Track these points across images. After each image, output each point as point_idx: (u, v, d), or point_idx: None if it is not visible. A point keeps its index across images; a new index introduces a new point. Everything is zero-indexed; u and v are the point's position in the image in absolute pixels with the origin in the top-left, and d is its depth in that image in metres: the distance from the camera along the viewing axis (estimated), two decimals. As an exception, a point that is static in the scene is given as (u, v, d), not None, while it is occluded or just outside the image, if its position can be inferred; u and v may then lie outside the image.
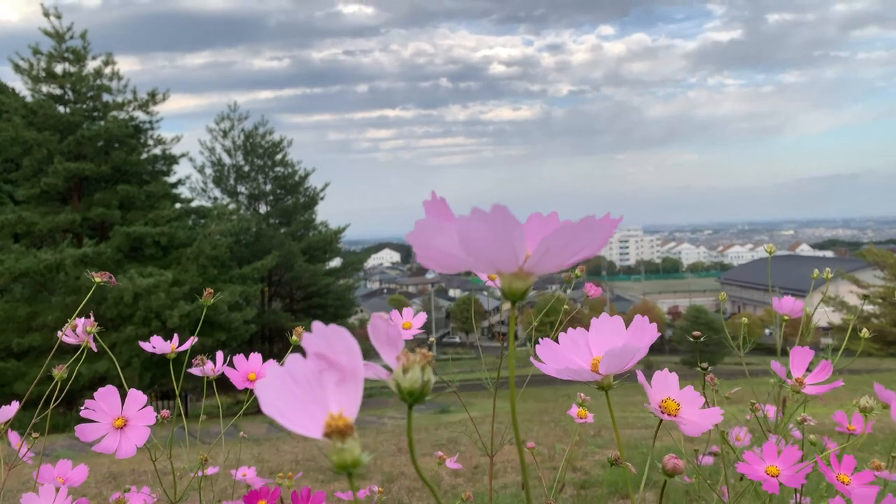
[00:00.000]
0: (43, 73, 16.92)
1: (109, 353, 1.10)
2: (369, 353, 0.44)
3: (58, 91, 17.11)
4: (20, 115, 16.22)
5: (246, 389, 1.07)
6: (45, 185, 16.08)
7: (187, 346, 1.11)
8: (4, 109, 16.56)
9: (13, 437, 1.07)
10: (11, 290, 15.45)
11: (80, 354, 1.07)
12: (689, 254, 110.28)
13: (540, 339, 0.60)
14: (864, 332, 1.13)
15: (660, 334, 0.57)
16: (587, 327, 0.61)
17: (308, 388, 0.34)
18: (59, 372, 1.06)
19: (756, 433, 1.24)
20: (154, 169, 18.33)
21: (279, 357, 1.08)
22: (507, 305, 0.43)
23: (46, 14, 16.70)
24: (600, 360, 0.56)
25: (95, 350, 1.09)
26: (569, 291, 1.34)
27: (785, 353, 1.05)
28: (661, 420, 0.65)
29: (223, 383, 1.14)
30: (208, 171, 22.01)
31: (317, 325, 0.35)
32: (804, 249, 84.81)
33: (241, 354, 1.09)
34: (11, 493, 1.07)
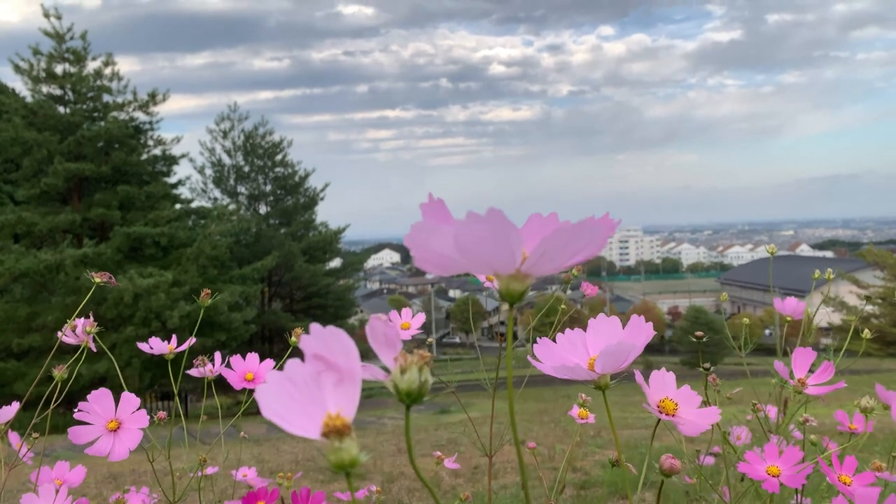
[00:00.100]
0: (43, 74, 16.92)
1: (109, 353, 1.10)
2: (368, 353, 0.44)
3: (58, 91, 17.11)
4: (20, 116, 16.23)
5: (244, 390, 1.07)
6: (45, 186, 16.08)
7: (185, 346, 1.11)
8: (4, 110, 16.57)
9: (13, 437, 1.07)
10: (11, 290, 15.46)
11: (80, 355, 1.06)
12: (689, 254, 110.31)
13: (538, 339, 0.60)
14: (866, 333, 1.13)
15: (658, 334, 0.57)
16: (586, 327, 0.61)
17: (306, 389, 0.35)
18: (59, 372, 1.06)
19: (757, 433, 1.24)
20: (154, 169, 18.33)
21: (279, 358, 1.08)
22: (506, 306, 0.43)
23: (46, 15, 16.71)
24: (596, 358, 0.56)
25: (95, 350, 1.09)
26: (568, 292, 1.34)
27: (786, 354, 1.05)
28: (660, 420, 0.65)
29: (223, 384, 1.13)
30: (208, 171, 22.04)
31: (314, 326, 0.35)
32: (804, 250, 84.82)
33: (240, 355, 1.09)
34: (11, 494, 1.07)
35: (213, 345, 15.61)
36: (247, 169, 22.10)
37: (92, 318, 1.08)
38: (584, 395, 1.21)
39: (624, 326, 0.59)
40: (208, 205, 20.75)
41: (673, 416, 0.63)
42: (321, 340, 0.35)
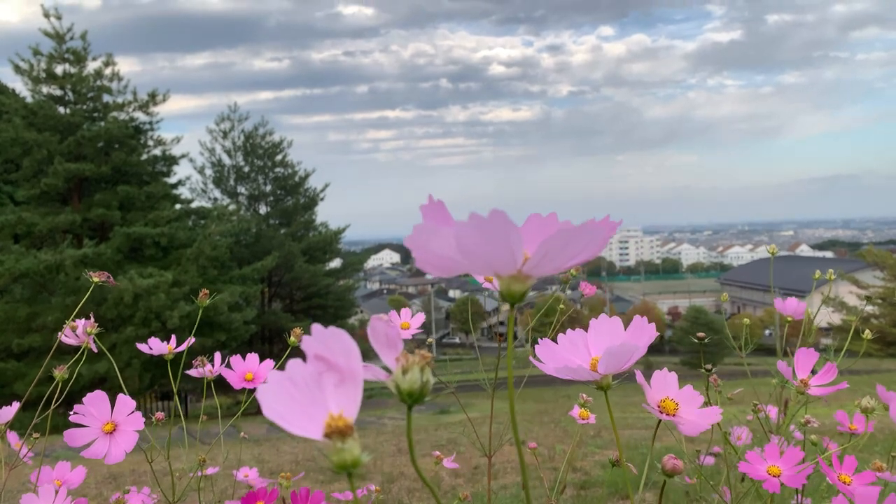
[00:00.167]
0: (43, 74, 16.92)
1: (108, 354, 1.10)
2: (368, 353, 0.44)
3: (58, 92, 17.11)
4: (20, 116, 16.23)
5: (244, 390, 1.07)
6: (45, 186, 16.08)
7: (185, 347, 1.11)
8: (5, 110, 16.57)
9: (12, 437, 1.07)
10: (11, 290, 15.45)
11: (81, 355, 1.06)
12: (689, 254, 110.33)
13: (539, 339, 0.60)
14: (867, 334, 1.13)
15: (658, 334, 0.57)
16: (586, 327, 0.61)
17: (307, 390, 0.35)
18: (59, 373, 1.06)
19: (758, 434, 1.24)
20: (154, 170, 18.33)
21: (278, 358, 1.07)
22: (506, 306, 0.43)
23: (47, 15, 16.71)
24: (598, 359, 0.56)
25: (96, 351, 1.09)
26: (568, 292, 1.34)
27: (786, 354, 1.05)
28: (660, 420, 0.65)
29: (223, 384, 1.13)
30: (208, 171, 22.04)
31: (316, 327, 0.36)
32: (804, 250, 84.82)
33: (240, 355, 1.09)
34: (11, 494, 1.07)
35: (214, 345, 15.61)
36: (247, 169, 22.10)
37: (92, 319, 1.08)
38: (584, 395, 1.21)
39: (625, 327, 0.59)
40: (208, 205, 20.75)
41: (673, 416, 0.63)
42: (322, 341, 0.35)
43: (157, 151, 18.40)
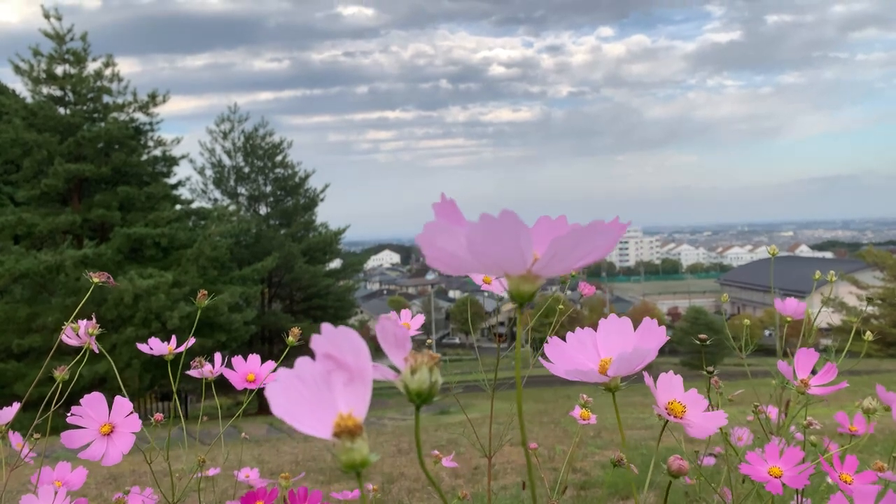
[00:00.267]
0: (43, 75, 16.91)
1: (107, 355, 1.10)
2: (372, 353, 0.44)
3: (58, 92, 17.11)
4: (20, 117, 16.22)
5: (245, 390, 1.07)
6: (45, 187, 16.07)
7: (185, 347, 1.11)
8: (5, 111, 16.57)
9: (14, 438, 1.07)
10: (11, 291, 15.45)
11: (82, 356, 1.06)
12: (689, 255, 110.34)
13: (548, 339, 0.60)
14: (868, 335, 1.13)
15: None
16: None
17: (316, 389, 0.35)
18: (60, 373, 1.06)
19: (758, 434, 1.24)
20: (154, 170, 18.32)
21: (279, 359, 1.07)
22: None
23: (47, 16, 16.71)
24: (609, 361, 0.56)
25: (97, 351, 1.09)
26: (568, 292, 1.34)
27: (786, 355, 1.05)
28: (667, 421, 0.65)
29: (222, 384, 1.13)
30: (208, 172, 22.02)
31: (325, 326, 0.36)
32: (803, 250, 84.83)
33: (241, 356, 1.09)
34: (11, 495, 1.07)
35: (214, 346, 15.61)
36: (247, 170, 22.09)
37: (94, 320, 1.08)
38: (584, 395, 1.21)
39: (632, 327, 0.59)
40: (208, 206, 20.74)
41: (681, 418, 0.63)
42: (332, 340, 0.35)
43: (158, 152, 18.40)
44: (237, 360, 1.07)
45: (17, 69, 16.81)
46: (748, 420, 1.38)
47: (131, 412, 0.92)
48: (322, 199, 22.64)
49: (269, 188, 22.24)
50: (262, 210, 22.25)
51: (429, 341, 1.49)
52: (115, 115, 17.30)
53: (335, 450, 0.34)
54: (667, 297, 63.07)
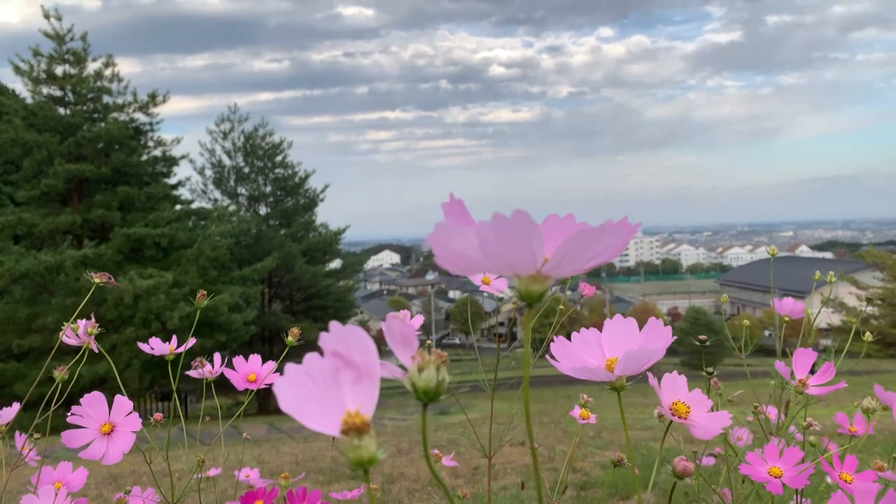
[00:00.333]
0: (43, 75, 16.91)
1: (106, 356, 1.10)
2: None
3: (58, 93, 17.10)
4: (20, 117, 16.22)
5: (246, 391, 1.07)
6: (45, 187, 16.07)
7: (185, 348, 1.11)
8: (5, 111, 16.56)
9: (20, 439, 1.07)
10: (11, 291, 15.45)
11: (82, 356, 1.06)
12: (689, 255, 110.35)
13: (553, 338, 0.60)
14: (868, 336, 1.13)
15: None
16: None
17: (324, 386, 0.35)
18: (60, 373, 1.06)
19: (758, 435, 1.24)
20: (154, 170, 18.32)
21: (279, 359, 1.07)
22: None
23: (47, 16, 16.71)
24: (616, 361, 0.56)
25: (97, 352, 1.09)
26: (568, 293, 1.34)
27: (785, 355, 1.05)
28: (671, 422, 0.65)
29: (222, 384, 1.13)
30: (208, 172, 22.01)
31: (334, 324, 0.36)
32: (803, 251, 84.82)
33: (241, 356, 1.09)
34: (11, 495, 1.07)
35: (214, 346, 15.61)
36: (247, 170, 22.08)
37: (93, 320, 1.08)
38: (585, 395, 1.21)
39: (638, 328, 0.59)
40: (208, 206, 20.73)
41: (685, 419, 0.63)
42: (340, 338, 0.35)
43: (157, 152, 18.40)
44: (238, 361, 1.07)
45: (17, 69, 16.81)
46: (748, 420, 1.38)
47: (131, 411, 0.92)
48: (322, 200, 22.64)
49: (269, 188, 22.23)
50: (262, 210, 22.24)
51: (428, 342, 1.49)
52: (115, 115, 17.30)
53: (343, 447, 0.34)
54: (667, 297, 63.05)
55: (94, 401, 0.91)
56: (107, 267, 14.87)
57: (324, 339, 0.35)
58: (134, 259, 16.60)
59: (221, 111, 31.12)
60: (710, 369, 1.04)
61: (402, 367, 0.40)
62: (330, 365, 0.35)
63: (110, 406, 0.91)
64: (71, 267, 14.68)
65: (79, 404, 0.91)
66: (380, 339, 0.40)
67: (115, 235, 16.04)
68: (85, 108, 17.31)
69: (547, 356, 0.60)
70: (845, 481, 0.80)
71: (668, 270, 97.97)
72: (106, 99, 17.48)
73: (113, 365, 1.17)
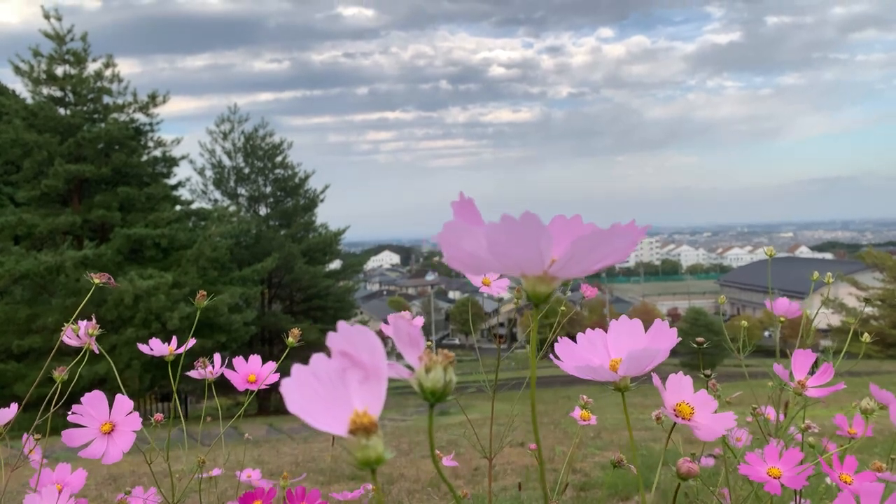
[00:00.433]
0: (43, 76, 16.92)
1: (106, 356, 1.10)
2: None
3: (58, 93, 17.11)
4: (21, 117, 16.23)
5: (246, 391, 1.07)
6: (45, 187, 16.08)
7: (185, 348, 1.11)
8: (5, 111, 16.57)
9: (28, 443, 1.07)
10: (11, 291, 15.45)
11: (82, 357, 1.06)
12: (689, 256, 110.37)
13: (557, 339, 0.60)
14: (866, 337, 1.13)
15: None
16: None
17: (331, 386, 0.35)
18: (60, 374, 1.06)
19: (757, 436, 1.24)
20: (154, 171, 18.33)
21: (279, 359, 1.08)
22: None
23: (47, 16, 16.71)
24: (620, 361, 0.56)
25: (98, 352, 1.09)
26: (568, 293, 1.34)
27: (784, 355, 1.05)
28: (674, 424, 0.65)
29: (222, 385, 1.13)
30: (208, 173, 22.02)
31: (341, 324, 0.36)
32: (803, 251, 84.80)
33: (241, 356, 1.09)
34: (11, 495, 1.07)
35: (214, 346, 15.60)
36: (247, 170, 22.08)
37: (94, 320, 1.08)
38: (585, 396, 1.21)
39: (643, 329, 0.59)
40: (208, 206, 20.74)
41: (689, 420, 0.63)
42: (347, 338, 0.36)
43: (158, 153, 18.41)
44: (238, 361, 1.07)
45: (18, 70, 16.82)
46: (748, 422, 1.38)
47: (132, 411, 0.92)
48: (322, 200, 22.64)
49: (269, 189, 22.24)
50: (262, 211, 22.25)
51: (428, 343, 1.49)
52: (115, 115, 17.31)
53: (350, 447, 0.34)
54: (666, 297, 63.04)
55: (94, 400, 0.91)
56: (107, 267, 14.88)
57: (331, 339, 0.35)
58: (134, 260, 16.60)
59: (221, 111, 31.11)
60: (707, 371, 1.04)
61: (408, 367, 0.40)
62: (337, 365, 0.35)
63: (111, 405, 0.92)
64: (71, 267, 14.68)
65: (73, 406, 0.91)
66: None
67: (115, 236, 16.04)
68: (85, 108, 17.32)
69: (550, 356, 0.60)
70: (845, 482, 0.80)
71: (668, 271, 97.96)
72: (106, 99, 17.50)
73: (113, 365, 1.17)
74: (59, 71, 16.98)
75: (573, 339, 0.60)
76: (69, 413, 0.90)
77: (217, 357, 1.12)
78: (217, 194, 22.07)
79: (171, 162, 18.61)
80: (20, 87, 18.04)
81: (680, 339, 0.59)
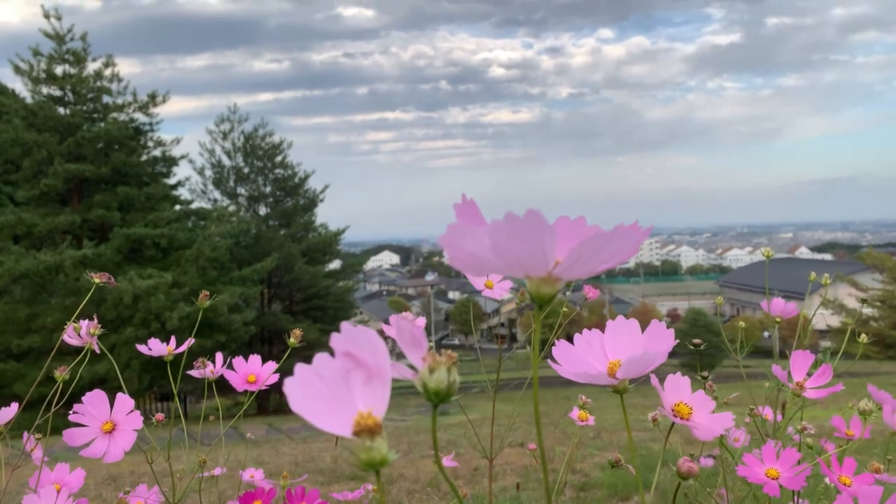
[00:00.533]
0: (43, 75, 16.91)
1: (108, 355, 1.10)
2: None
3: (58, 93, 17.11)
4: (20, 117, 16.22)
5: (245, 391, 1.07)
6: (44, 187, 16.07)
7: (184, 348, 1.11)
8: (5, 111, 16.56)
9: (29, 443, 1.07)
10: (11, 291, 15.44)
11: (83, 356, 1.06)
12: (688, 256, 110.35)
13: (555, 341, 0.60)
14: (863, 338, 1.13)
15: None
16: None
17: (335, 386, 0.35)
18: (61, 374, 1.06)
19: (755, 437, 1.24)
20: (154, 171, 18.32)
21: (279, 359, 1.08)
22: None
23: (47, 16, 16.71)
24: (618, 364, 0.56)
25: (98, 352, 1.09)
26: (568, 294, 1.34)
27: (783, 356, 1.05)
28: (672, 424, 0.65)
29: (222, 385, 1.14)
30: (208, 172, 22.01)
31: (345, 325, 0.36)
32: (803, 252, 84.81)
33: (241, 356, 1.09)
34: (11, 496, 1.07)
35: (213, 346, 15.59)
36: (246, 170, 22.08)
37: (95, 320, 1.09)
38: (584, 396, 1.21)
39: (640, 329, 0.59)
40: (208, 206, 20.73)
41: (687, 420, 0.64)
42: (351, 338, 0.36)
43: (157, 152, 18.41)
44: (238, 361, 1.08)
45: (17, 69, 16.81)
46: (746, 423, 1.38)
47: (133, 410, 0.92)
48: (322, 200, 22.64)
49: (268, 189, 22.23)
50: (262, 210, 22.24)
51: (429, 343, 1.49)
52: (114, 115, 17.30)
53: (354, 448, 0.34)
54: (666, 298, 62.98)
55: (95, 399, 0.91)
56: (106, 267, 14.87)
57: (335, 340, 0.35)
58: (133, 259, 16.60)
59: (221, 111, 31.13)
60: (704, 373, 1.04)
61: (411, 367, 0.40)
62: (341, 365, 0.35)
63: (112, 405, 0.92)
64: (70, 267, 14.67)
65: (74, 405, 0.91)
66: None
67: (114, 235, 16.04)
68: (85, 108, 17.31)
69: (548, 360, 0.60)
70: (844, 484, 0.81)
71: (668, 272, 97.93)
72: (106, 99, 17.49)
73: (115, 365, 1.17)
74: (59, 70, 16.97)
75: (571, 340, 0.60)
76: (70, 412, 0.91)
77: (219, 356, 1.12)
78: (217, 194, 22.08)
79: (171, 162, 18.60)
80: (20, 87, 18.04)
81: (679, 340, 0.59)
